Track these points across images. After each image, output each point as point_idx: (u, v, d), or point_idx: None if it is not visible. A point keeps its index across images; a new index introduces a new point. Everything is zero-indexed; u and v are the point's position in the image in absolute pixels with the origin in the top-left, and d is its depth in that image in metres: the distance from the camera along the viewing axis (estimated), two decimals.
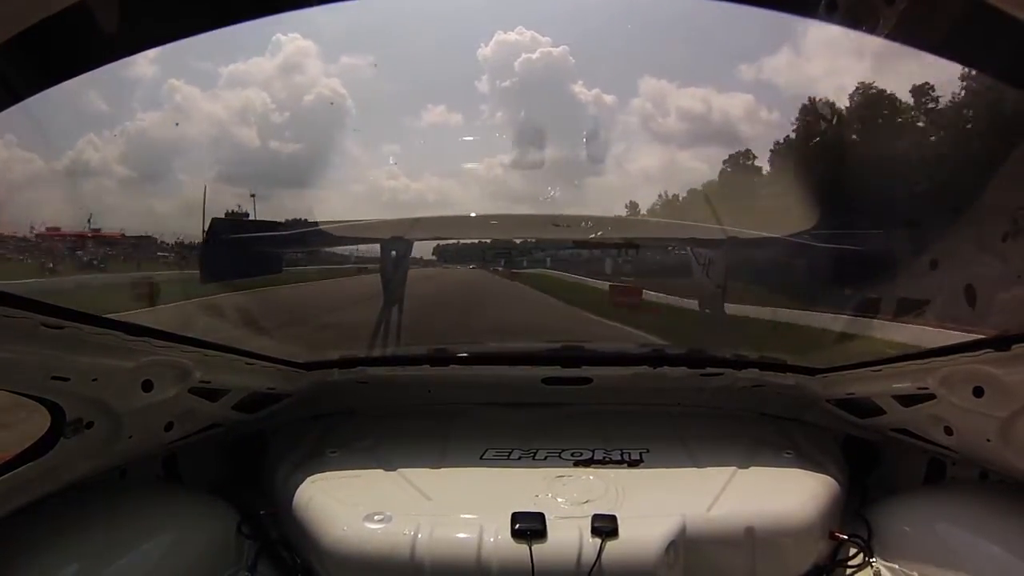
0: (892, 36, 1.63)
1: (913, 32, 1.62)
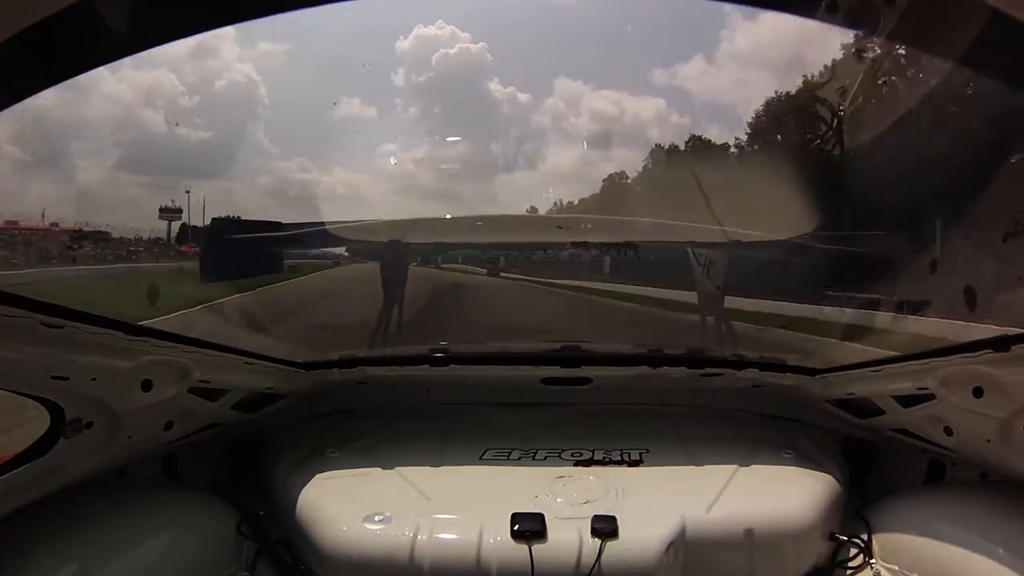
0: (892, 36, 1.63)
1: (913, 32, 1.62)
